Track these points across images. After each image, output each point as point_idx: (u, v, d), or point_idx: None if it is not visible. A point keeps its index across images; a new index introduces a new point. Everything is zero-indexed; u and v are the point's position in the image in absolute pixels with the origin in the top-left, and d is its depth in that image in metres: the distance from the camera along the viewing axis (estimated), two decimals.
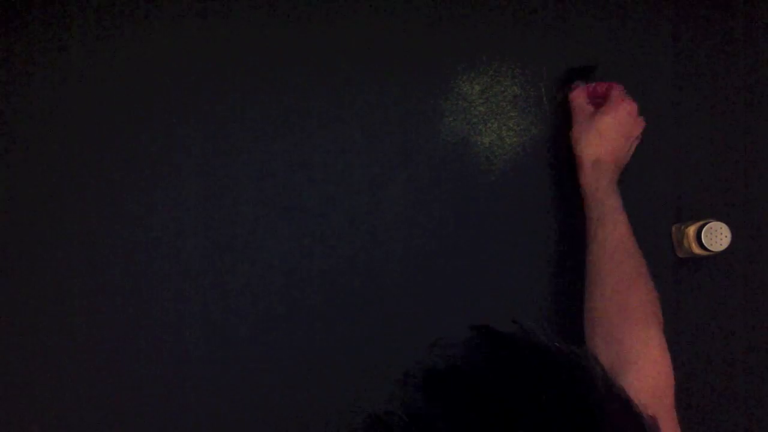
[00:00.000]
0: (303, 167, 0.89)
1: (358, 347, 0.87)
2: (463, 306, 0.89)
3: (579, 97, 0.86)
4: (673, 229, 0.91)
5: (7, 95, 0.87)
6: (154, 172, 0.88)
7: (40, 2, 0.87)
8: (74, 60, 0.88)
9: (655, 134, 0.91)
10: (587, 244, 0.79)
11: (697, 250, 0.87)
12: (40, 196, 0.87)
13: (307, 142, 0.89)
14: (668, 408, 0.67)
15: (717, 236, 0.86)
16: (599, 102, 0.86)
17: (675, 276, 0.91)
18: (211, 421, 0.87)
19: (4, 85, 0.87)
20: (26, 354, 0.86)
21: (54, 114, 0.87)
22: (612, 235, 0.77)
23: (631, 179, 0.91)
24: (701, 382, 0.90)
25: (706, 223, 0.86)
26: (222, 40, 0.89)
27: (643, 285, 0.74)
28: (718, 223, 0.86)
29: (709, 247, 0.86)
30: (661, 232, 0.91)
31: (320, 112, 0.89)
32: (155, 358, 0.87)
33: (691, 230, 0.88)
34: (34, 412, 0.86)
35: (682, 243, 0.89)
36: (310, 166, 0.89)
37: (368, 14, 0.90)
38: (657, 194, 0.91)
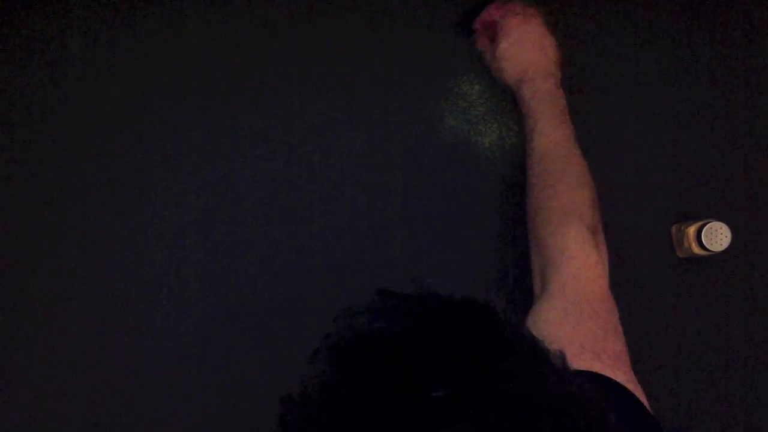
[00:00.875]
0: (303, 167, 0.89)
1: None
2: None
3: (478, 42, 0.87)
4: (673, 229, 0.91)
5: (7, 95, 0.87)
6: (154, 171, 0.88)
7: (40, 1, 0.87)
8: (74, 59, 0.88)
9: (655, 134, 0.91)
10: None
11: (697, 250, 0.87)
12: (40, 195, 0.87)
13: (307, 142, 0.89)
14: (595, 301, 0.68)
15: (717, 236, 0.86)
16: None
17: (675, 276, 0.91)
18: (212, 421, 0.87)
19: (5, 85, 0.87)
20: (26, 354, 0.86)
21: (54, 114, 0.87)
22: (537, 143, 0.78)
23: (631, 179, 0.91)
24: (701, 382, 0.90)
25: (706, 223, 0.86)
26: (222, 40, 0.89)
27: (564, 188, 0.75)
28: (718, 223, 0.86)
29: (709, 247, 0.86)
30: (661, 232, 0.91)
31: (320, 112, 0.89)
32: (155, 357, 0.87)
33: (691, 230, 0.88)
34: (34, 411, 0.86)
35: (682, 243, 0.89)
36: (311, 166, 0.89)
37: (368, 15, 0.90)
38: (657, 194, 0.91)
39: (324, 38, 0.89)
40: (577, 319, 0.63)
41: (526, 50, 0.82)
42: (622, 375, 0.59)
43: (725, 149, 0.92)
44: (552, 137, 0.78)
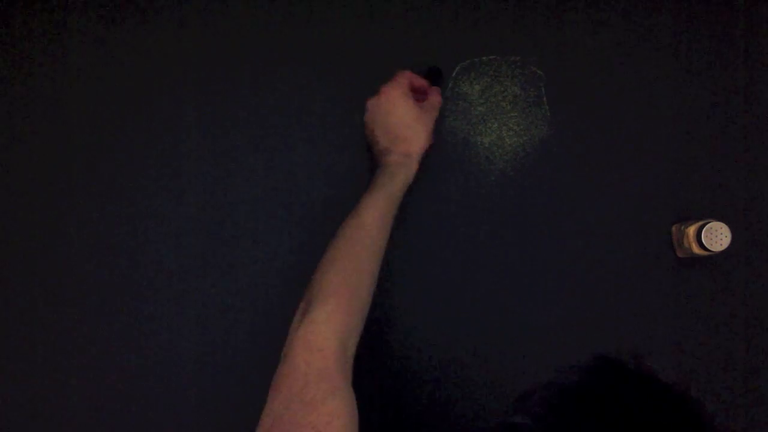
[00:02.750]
0: (303, 167, 0.89)
1: (358, 345, 0.87)
2: (464, 305, 0.89)
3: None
4: (673, 229, 0.91)
5: (7, 95, 0.87)
6: (154, 171, 0.88)
7: (40, 2, 0.87)
8: (74, 60, 0.88)
9: (655, 134, 0.91)
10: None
11: (697, 250, 0.87)
12: (40, 195, 0.87)
13: (307, 142, 0.89)
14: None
15: (717, 236, 0.86)
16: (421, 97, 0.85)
17: (675, 276, 0.91)
18: (212, 421, 0.87)
19: (4, 85, 0.87)
20: (25, 354, 0.86)
21: (53, 114, 0.87)
22: (353, 214, 0.75)
23: (631, 179, 0.91)
24: (701, 382, 0.90)
25: (706, 223, 0.86)
26: (222, 40, 0.89)
27: (339, 269, 0.71)
28: (718, 223, 0.86)
29: (709, 247, 0.86)
30: (661, 232, 0.91)
31: (320, 112, 0.89)
32: (155, 357, 0.87)
33: (691, 230, 0.88)
34: (34, 411, 0.86)
35: (682, 243, 0.89)
36: (311, 166, 0.89)
37: (368, 14, 0.90)
38: (657, 194, 0.91)
39: (324, 38, 0.89)
40: None
41: (371, 130, 0.82)
42: None
43: (725, 149, 0.92)
44: (373, 206, 0.76)
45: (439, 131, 0.90)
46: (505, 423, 0.42)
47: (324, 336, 0.63)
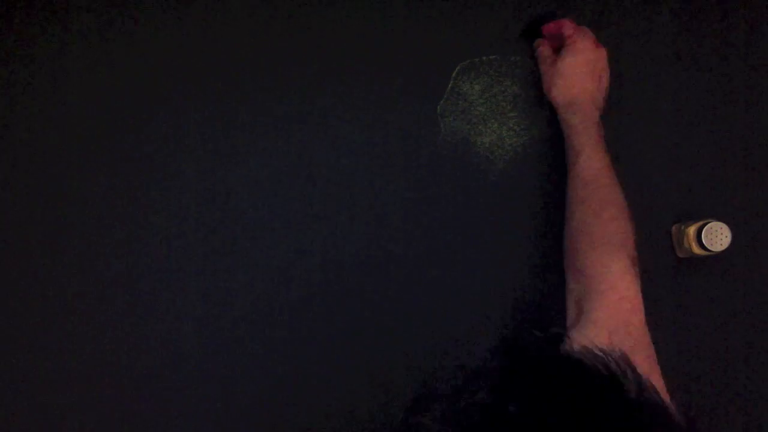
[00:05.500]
0: (303, 167, 0.89)
1: (358, 347, 0.87)
2: (464, 305, 0.89)
3: (541, 50, 0.88)
4: (673, 229, 0.91)
5: (7, 95, 0.87)
6: (154, 172, 0.88)
7: (40, 2, 0.87)
8: (74, 60, 0.88)
9: (656, 135, 0.91)
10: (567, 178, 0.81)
11: (697, 250, 0.87)
12: (40, 196, 0.87)
13: (307, 142, 0.89)
14: (638, 334, 0.69)
15: (717, 236, 0.86)
16: (561, 44, 0.86)
17: (675, 276, 0.91)
18: (212, 421, 0.87)
19: (4, 85, 0.87)
20: (25, 354, 0.86)
21: (54, 114, 0.87)
22: (584, 168, 0.79)
23: (631, 179, 0.90)
24: (701, 382, 0.90)
25: (706, 223, 0.86)
26: (222, 40, 0.89)
27: (609, 217, 0.76)
28: (718, 223, 0.86)
29: (709, 247, 0.86)
30: (661, 232, 0.91)
31: (320, 112, 0.89)
32: (155, 358, 0.87)
33: (691, 230, 0.88)
34: (34, 411, 0.86)
35: (682, 243, 0.89)
36: (310, 166, 0.89)
37: (368, 14, 0.90)
38: (657, 194, 0.91)
39: (324, 38, 0.89)
40: (625, 351, 0.65)
41: (585, 74, 0.83)
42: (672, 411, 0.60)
43: (725, 149, 0.92)
44: (598, 165, 0.79)
45: (438, 131, 0.90)
46: (407, 422, 0.43)
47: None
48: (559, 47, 0.86)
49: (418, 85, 0.90)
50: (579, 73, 0.83)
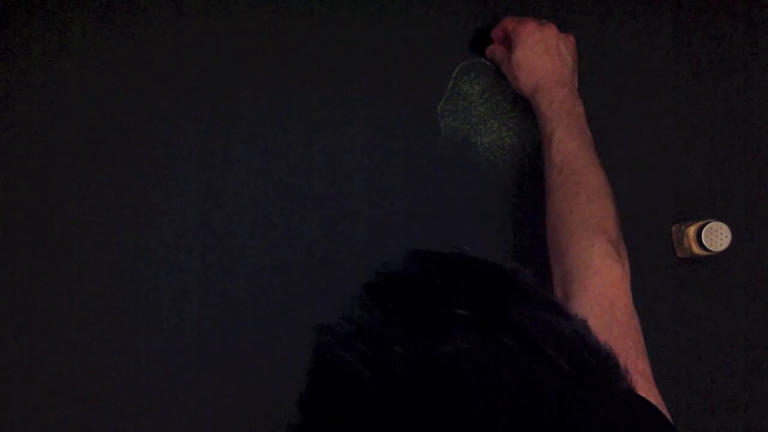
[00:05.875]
0: (303, 167, 0.89)
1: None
2: None
3: (493, 51, 0.87)
4: (673, 229, 0.91)
5: (7, 96, 0.87)
6: (154, 172, 0.88)
7: (40, 2, 0.87)
8: (74, 60, 0.88)
9: (655, 134, 0.91)
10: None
11: (697, 250, 0.87)
12: (40, 196, 0.87)
13: (307, 142, 0.89)
14: (623, 319, 0.67)
15: (717, 236, 0.86)
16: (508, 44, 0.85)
17: (675, 276, 0.91)
18: (212, 420, 0.87)
19: (4, 85, 0.87)
20: (25, 354, 0.86)
21: (54, 114, 0.87)
22: (556, 154, 0.76)
23: (631, 179, 0.91)
24: (701, 382, 0.90)
25: (706, 223, 0.86)
26: (222, 40, 0.89)
27: (584, 200, 0.74)
28: (718, 223, 0.86)
29: (709, 247, 0.86)
30: (661, 232, 0.91)
31: (320, 112, 0.89)
32: (155, 357, 0.87)
33: (691, 230, 0.88)
34: (34, 411, 0.86)
35: (682, 243, 0.89)
36: (310, 166, 0.89)
37: (368, 14, 0.90)
38: (657, 194, 0.91)
39: (324, 38, 0.89)
40: (608, 338, 0.63)
41: (540, 58, 0.80)
42: (654, 397, 0.59)
43: (725, 149, 0.92)
44: (570, 147, 0.76)
45: (438, 131, 0.90)
46: (320, 326, 0.43)
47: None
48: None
49: (418, 85, 0.90)
50: (533, 58, 0.81)
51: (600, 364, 0.38)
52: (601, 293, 0.67)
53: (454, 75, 0.91)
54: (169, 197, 0.87)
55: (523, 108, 0.91)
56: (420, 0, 0.90)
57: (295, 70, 0.89)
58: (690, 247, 0.88)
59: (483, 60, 0.91)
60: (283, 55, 0.89)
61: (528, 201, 0.90)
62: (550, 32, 0.82)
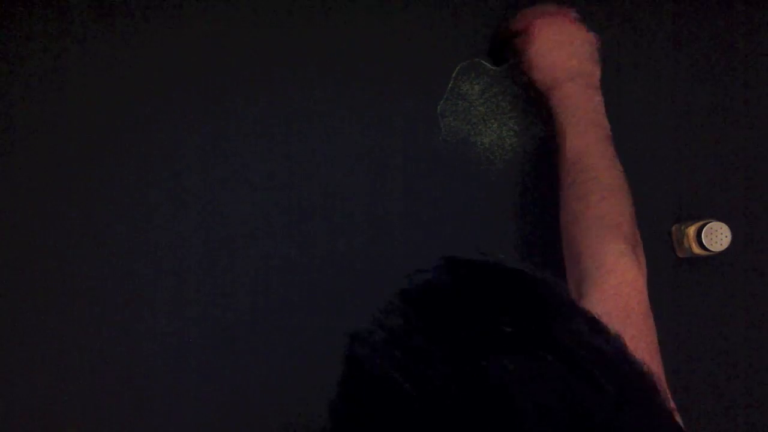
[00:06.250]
0: (303, 167, 0.89)
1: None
2: None
3: (513, 66, 0.84)
4: (673, 229, 0.91)
5: (7, 96, 0.87)
6: (154, 171, 0.88)
7: (40, 2, 0.87)
8: (74, 60, 0.88)
9: (655, 134, 0.91)
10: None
11: (697, 250, 0.87)
12: (40, 196, 0.87)
13: (307, 142, 0.89)
14: (638, 320, 0.65)
15: (717, 236, 0.86)
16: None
17: (675, 276, 0.91)
18: (212, 420, 0.87)
19: (4, 85, 0.87)
20: (25, 354, 0.86)
21: (54, 114, 0.87)
22: (569, 149, 0.74)
23: (631, 179, 0.90)
24: (701, 382, 0.90)
25: (706, 223, 0.86)
26: (222, 40, 0.89)
27: (596, 198, 0.71)
28: (718, 223, 0.86)
29: (709, 247, 0.86)
30: (661, 232, 0.91)
31: (320, 112, 0.89)
32: (155, 357, 0.87)
33: (691, 230, 0.88)
34: (34, 411, 0.86)
35: (682, 243, 0.89)
36: (310, 166, 0.89)
37: (368, 14, 0.90)
38: (657, 194, 0.91)
39: (324, 38, 0.89)
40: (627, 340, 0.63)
41: (552, 54, 0.76)
42: (669, 402, 0.58)
43: (725, 149, 0.92)
44: (581, 143, 0.73)
45: (438, 131, 0.90)
46: (353, 334, 0.41)
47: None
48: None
49: (418, 85, 0.90)
50: (546, 56, 0.77)
51: (641, 384, 0.37)
52: (615, 293, 0.65)
53: (454, 75, 0.91)
54: (168, 197, 0.87)
55: (523, 108, 0.91)
56: (420, 0, 0.90)
57: (294, 70, 0.89)
58: (690, 247, 0.88)
59: (483, 60, 0.91)
60: (282, 55, 0.89)
61: (528, 201, 0.90)
62: (562, 23, 0.77)
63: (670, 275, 0.91)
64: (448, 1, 0.90)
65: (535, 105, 0.91)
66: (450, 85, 0.91)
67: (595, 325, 0.38)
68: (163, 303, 0.87)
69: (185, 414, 0.87)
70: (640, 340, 0.64)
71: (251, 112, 0.89)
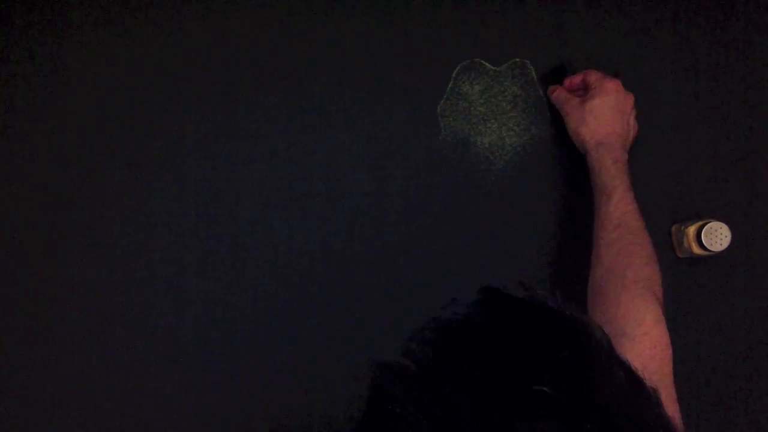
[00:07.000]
0: (303, 167, 0.89)
1: (358, 346, 0.87)
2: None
3: (560, 93, 0.88)
4: (673, 229, 0.91)
5: (7, 95, 0.87)
6: (154, 172, 0.88)
7: (40, 3, 0.87)
8: (74, 60, 0.88)
9: (655, 134, 0.91)
10: (594, 219, 0.80)
11: (697, 250, 0.87)
12: (39, 196, 0.87)
13: (307, 142, 0.89)
14: (666, 382, 0.67)
15: (717, 236, 0.86)
16: (580, 93, 0.87)
17: (675, 276, 0.91)
18: (212, 419, 0.87)
19: (4, 85, 0.87)
20: (26, 354, 0.86)
21: (53, 114, 0.87)
22: (614, 211, 0.78)
23: (631, 179, 0.91)
24: (701, 382, 0.90)
25: (706, 223, 0.86)
26: (222, 40, 0.89)
27: (640, 261, 0.75)
28: (718, 223, 0.86)
29: (709, 247, 0.86)
30: (661, 232, 0.91)
31: (320, 112, 0.89)
32: (155, 357, 0.87)
33: (691, 230, 0.88)
34: (34, 411, 0.86)
35: (682, 243, 0.89)
36: (311, 165, 0.89)
37: (368, 14, 0.90)
38: (657, 194, 0.91)
39: (324, 38, 0.89)
40: None
41: (614, 115, 0.83)
42: None
43: (725, 149, 0.92)
44: (629, 208, 0.78)
45: (438, 131, 0.90)
46: (384, 364, 0.40)
47: None
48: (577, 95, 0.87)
49: (418, 85, 0.90)
50: (609, 113, 0.83)
51: None
52: (650, 354, 0.68)
53: (454, 75, 0.91)
54: (168, 197, 0.87)
55: (523, 108, 0.91)
56: (420, 0, 0.90)
57: (294, 69, 0.89)
58: (690, 247, 0.88)
59: (483, 60, 0.91)
60: (283, 55, 0.89)
61: (527, 201, 0.90)
62: (629, 100, 0.85)
63: (670, 275, 0.91)
64: (449, 1, 0.90)
65: (540, 104, 0.91)
66: (450, 85, 0.91)
67: (633, 376, 0.38)
68: (163, 303, 0.87)
69: (185, 414, 0.87)
70: (670, 406, 0.64)
71: (251, 112, 0.89)
